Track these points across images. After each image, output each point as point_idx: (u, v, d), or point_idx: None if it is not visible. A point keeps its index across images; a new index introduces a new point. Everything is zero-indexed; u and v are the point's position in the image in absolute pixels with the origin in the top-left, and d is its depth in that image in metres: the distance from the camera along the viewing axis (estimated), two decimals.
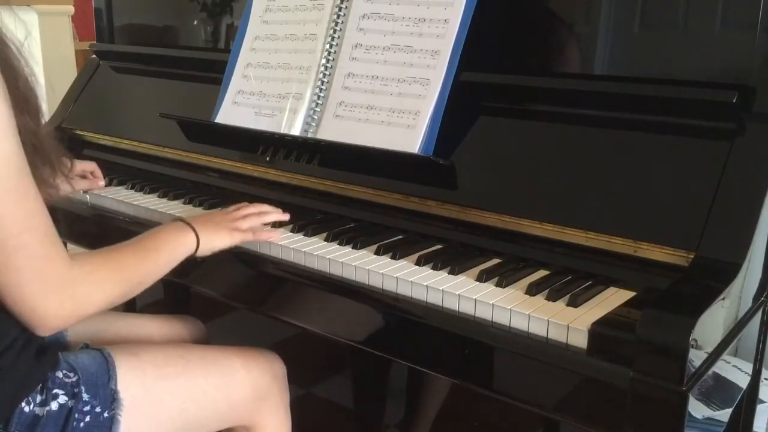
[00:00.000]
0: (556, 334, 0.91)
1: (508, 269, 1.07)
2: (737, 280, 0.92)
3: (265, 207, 1.24)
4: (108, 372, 1.02)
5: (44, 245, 0.89)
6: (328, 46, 1.35)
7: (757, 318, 1.22)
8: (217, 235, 1.13)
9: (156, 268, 1.05)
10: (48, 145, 0.96)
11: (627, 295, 0.99)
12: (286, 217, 1.24)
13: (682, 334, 0.79)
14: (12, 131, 0.84)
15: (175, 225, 1.11)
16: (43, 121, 0.98)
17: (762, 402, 1.43)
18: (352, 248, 1.16)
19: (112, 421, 0.99)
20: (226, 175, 1.50)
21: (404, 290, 1.05)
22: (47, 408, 0.96)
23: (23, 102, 0.90)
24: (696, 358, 0.84)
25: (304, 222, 1.27)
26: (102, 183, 1.51)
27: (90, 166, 1.51)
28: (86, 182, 1.49)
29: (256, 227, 1.19)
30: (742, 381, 1.37)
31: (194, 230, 1.11)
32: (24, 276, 0.88)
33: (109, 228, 1.47)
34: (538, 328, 0.93)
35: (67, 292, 0.91)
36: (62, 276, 0.91)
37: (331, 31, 1.36)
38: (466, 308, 0.99)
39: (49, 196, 1.00)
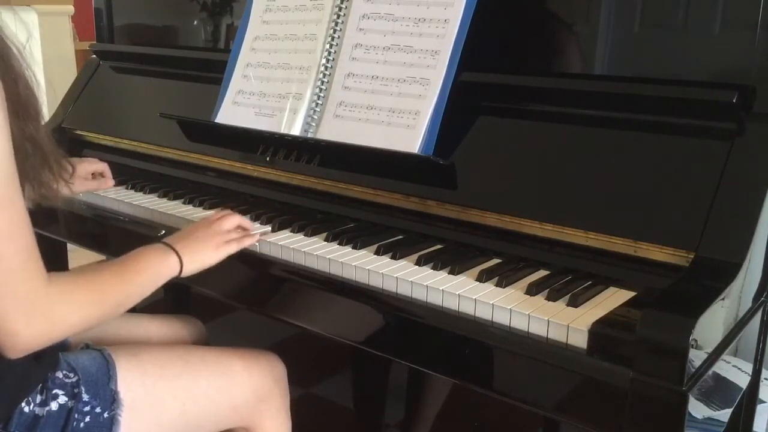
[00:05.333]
0: (556, 334, 0.91)
1: (508, 269, 1.07)
2: (737, 280, 0.92)
3: (248, 223, 1.21)
4: (108, 372, 1.02)
5: (21, 258, 0.84)
6: (328, 46, 1.35)
7: (757, 318, 1.23)
8: (203, 254, 1.10)
9: (137, 291, 1.01)
10: (48, 149, 0.94)
11: (627, 295, 0.99)
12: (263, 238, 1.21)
13: (682, 334, 0.79)
14: (4, 139, 0.82)
15: (158, 248, 1.07)
16: (42, 124, 0.97)
17: (762, 402, 1.43)
18: (352, 248, 1.16)
19: (113, 421, 1.00)
20: (226, 175, 1.50)
21: (404, 290, 1.05)
22: (47, 408, 0.96)
23: (23, 106, 0.88)
24: (696, 358, 0.84)
25: (304, 222, 1.27)
26: (111, 183, 1.49)
27: (100, 166, 1.48)
28: (95, 183, 1.47)
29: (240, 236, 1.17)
30: (742, 381, 1.37)
31: (177, 253, 1.07)
32: None
33: (109, 228, 1.47)
34: (538, 328, 0.93)
35: (41, 310, 0.87)
36: (37, 293, 0.86)
37: (331, 31, 1.36)
38: (466, 308, 0.99)
39: (47, 200, 0.99)
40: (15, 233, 0.84)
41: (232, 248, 1.14)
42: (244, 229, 1.20)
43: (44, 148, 0.93)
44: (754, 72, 1.03)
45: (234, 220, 1.18)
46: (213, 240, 1.13)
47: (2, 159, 0.82)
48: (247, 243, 1.16)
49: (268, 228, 1.25)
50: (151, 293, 1.05)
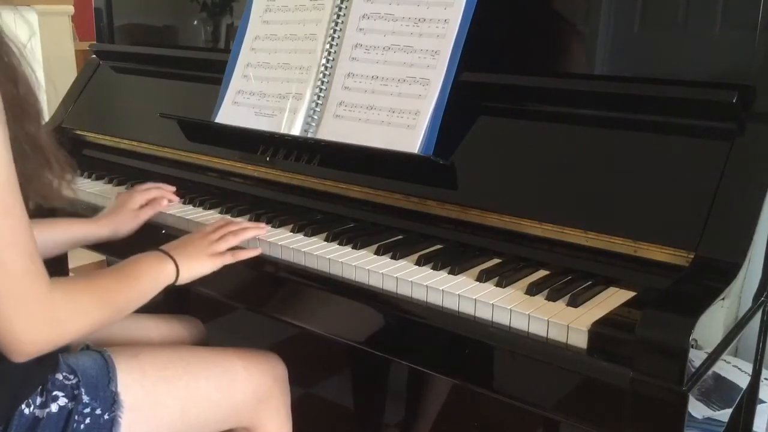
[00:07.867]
0: (556, 334, 0.91)
1: (508, 269, 1.07)
2: (737, 280, 0.92)
3: (245, 224, 1.22)
4: (108, 374, 1.02)
5: (26, 264, 0.84)
6: (328, 46, 1.35)
7: (757, 318, 1.23)
8: (197, 262, 1.12)
9: (137, 296, 1.03)
10: (48, 149, 0.94)
11: (627, 295, 0.99)
12: (264, 231, 1.22)
13: (682, 334, 0.79)
14: (4, 146, 0.81)
15: (155, 255, 1.10)
16: (43, 123, 0.97)
17: (762, 402, 1.43)
18: (352, 248, 1.16)
19: (113, 423, 0.99)
20: (226, 175, 1.50)
21: (404, 290, 1.05)
22: (47, 410, 0.96)
23: (23, 105, 0.88)
24: (696, 358, 0.84)
25: (304, 222, 1.27)
26: (166, 201, 1.39)
27: (152, 192, 1.39)
28: (149, 209, 1.36)
29: (236, 248, 1.17)
30: (742, 381, 1.37)
31: (174, 260, 1.09)
32: (1, 294, 0.82)
33: None
34: (538, 328, 0.93)
35: (46, 315, 0.87)
36: (42, 297, 0.86)
37: (331, 31, 1.36)
38: (466, 308, 0.99)
39: (48, 200, 0.99)
40: (17, 240, 0.83)
41: (226, 260, 1.15)
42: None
43: (45, 148, 0.93)
44: (754, 72, 1.03)
45: (231, 241, 1.17)
46: (207, 249, 1.14)
47: (2, 166, 0.81)
48: (242, 257, 1.17)
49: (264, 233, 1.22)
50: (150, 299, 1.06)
